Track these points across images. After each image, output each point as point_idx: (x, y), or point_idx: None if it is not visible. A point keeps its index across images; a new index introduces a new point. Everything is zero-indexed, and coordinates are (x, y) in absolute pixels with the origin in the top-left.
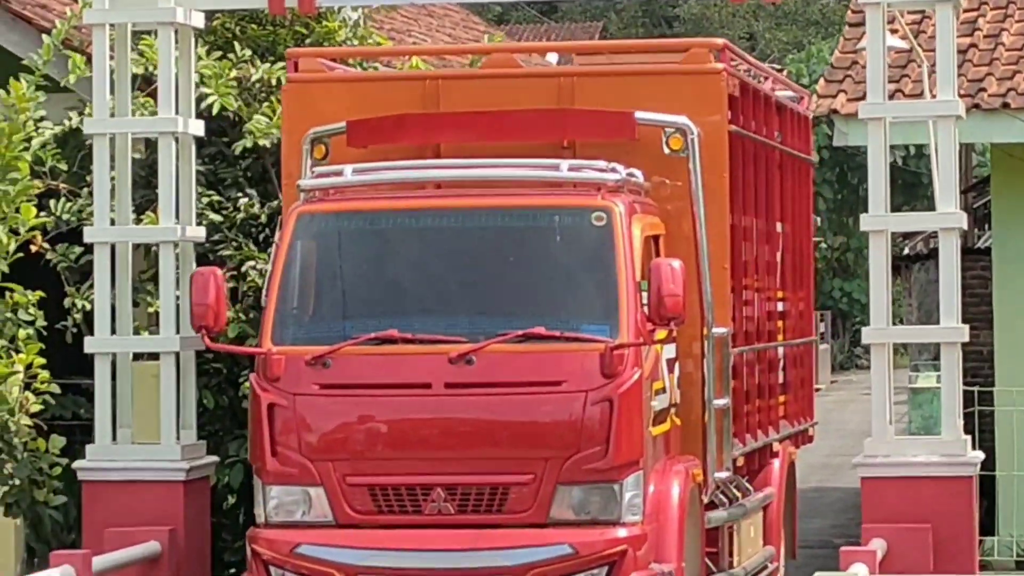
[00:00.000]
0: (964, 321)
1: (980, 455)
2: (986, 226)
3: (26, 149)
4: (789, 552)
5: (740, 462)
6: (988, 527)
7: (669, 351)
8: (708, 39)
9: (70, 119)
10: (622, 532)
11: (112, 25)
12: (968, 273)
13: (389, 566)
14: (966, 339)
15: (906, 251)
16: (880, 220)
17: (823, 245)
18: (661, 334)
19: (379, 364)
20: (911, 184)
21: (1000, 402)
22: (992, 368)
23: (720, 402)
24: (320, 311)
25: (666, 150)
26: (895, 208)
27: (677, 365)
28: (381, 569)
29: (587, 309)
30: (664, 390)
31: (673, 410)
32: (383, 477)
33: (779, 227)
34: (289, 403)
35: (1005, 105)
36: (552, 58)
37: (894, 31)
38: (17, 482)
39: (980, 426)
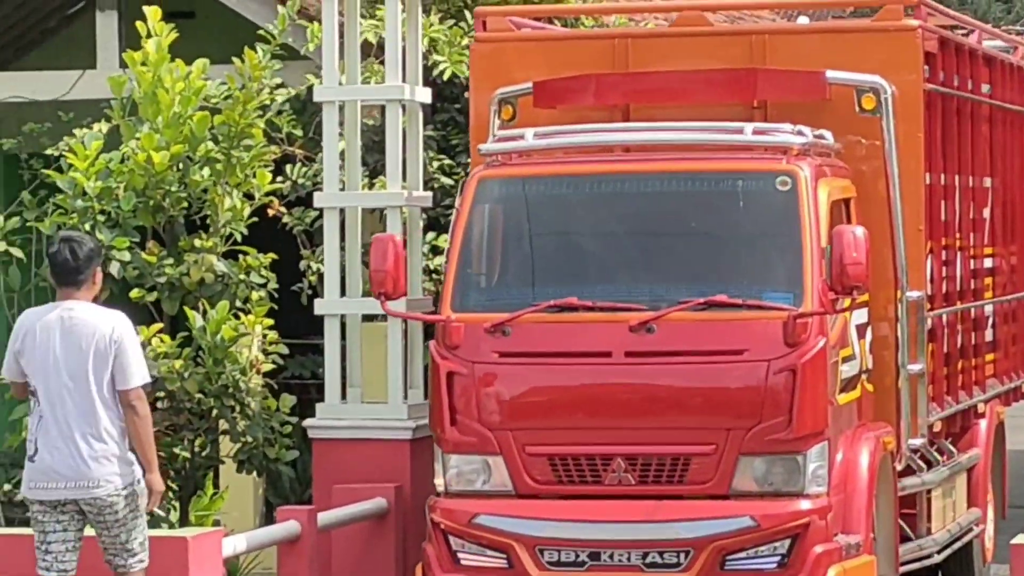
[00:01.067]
0: None
1: None
2: None
3: (261, 116)
4: (999, 513)
5: (938, 427)
6: None
7: (860, 316)
8: None
9: (306, 86)
10: (805, 504)
11: None
12: None
13: (568, 537)
14: None
15: None
16: None
17: None
18: (845, 302)
19: (559, 332)
20: None
21: None
22: None
23: (915, 367)
24: (500, 278)
25: (859, 110)
26: None
27: (869, 330)
28: (560, 540)
29: (770, 276)
30: (853, 357)
31: (864, 376)
32: (563, 447)
33: (987, 182)
34: (468, 371)
35: None
36: (803, 20)
37: None
38: (250, 440)
39: None
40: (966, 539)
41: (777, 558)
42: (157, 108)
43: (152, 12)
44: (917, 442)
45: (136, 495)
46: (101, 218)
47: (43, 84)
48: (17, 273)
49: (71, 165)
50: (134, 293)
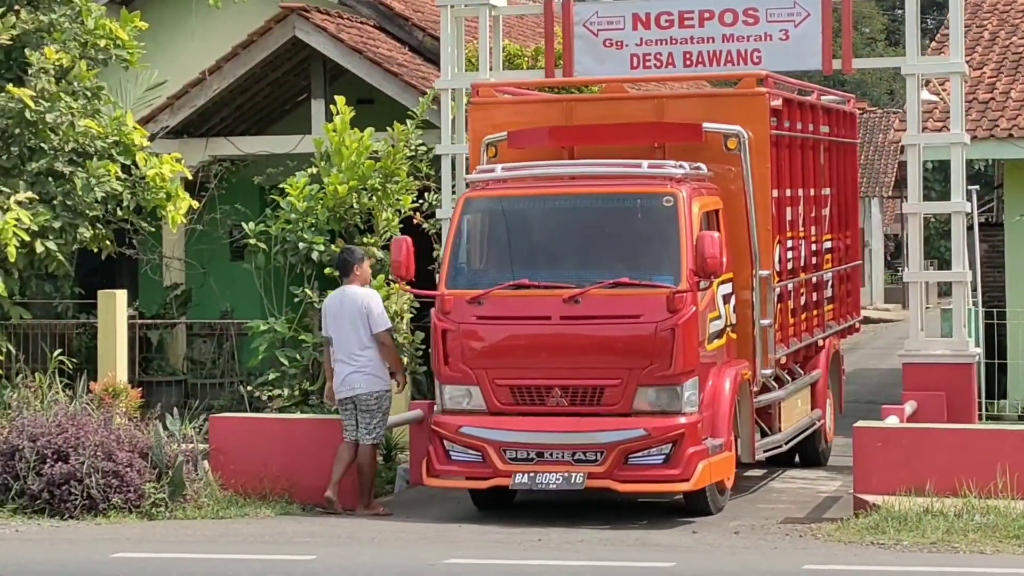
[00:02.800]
0: (986, 268)
1: (978, 350)
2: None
3: (407, 163)
4: (837, 409)
5: (783, 360)
6: (1002, 395)
7: (726, 288)
8: (755, 71)
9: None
10: (682, 420)
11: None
12: (996, 237)
13: (522, 441)
14: (968, 279)
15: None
16: (915, 206)
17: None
18: (704, 284)
19: (516, 302)
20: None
21: (1010, 317)
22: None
23: (765, 321)
24: (477, 266)
25: (726, 149)
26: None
27: (734, 297)
28: (517, 443)
29: (659, 265)
30: (720, 317)
31: (730, 329)
32: (519, 380)
33: (826, 191)
34: (456, 329)
35: (1010, 135)
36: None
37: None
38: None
39: (999, 332)
40: (811, 430)
41: (663, 457)
42: (341, 158)
43: (340, 100)
44: (768, 371)
45: (382, 397)
46: (307, 225)
47: (279, 143)
48: (261, 258)
49: (289, 193)
50: (327, 271)
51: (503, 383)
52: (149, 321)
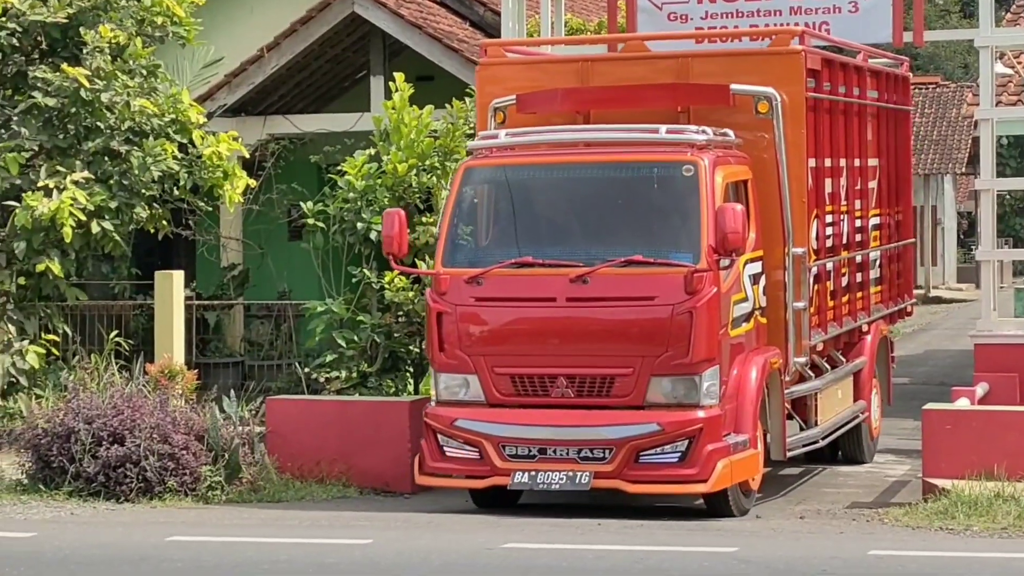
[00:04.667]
0: None
1: None
2: None
3: (464, 140)
4: (885, 401)
5: (820, 347)
6: None
7: (754, 267)
8: (790, 27)
9: None
10: (700, 413)
11: None
12: None
13: (523, 436)
14: None
15: None
16: (988, 182)
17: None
18: (726, 261)
19: (518, 282)
20: None
21: None
22: None
23: (798, 304)
24: (477, 242)
25: (756, 114)
26: None
27: (764, 278)
28: (517, 439)
29: (677, 241)
30: (746, 299)
31: (759, 312)
32: (521, 368)
33: (873, 162)
34: (452, 311)
35: None
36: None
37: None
38: None
39: None
40: (854, 423)
41: (678, 454)
42: (400, 136)
43: (399, 77)
44: (801, 359)
45: None
46: (365, 204)
47: (338, 121)
48: (320, 238)
49: (347, 172)
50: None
51: (503, 372)
52: (206, 302)
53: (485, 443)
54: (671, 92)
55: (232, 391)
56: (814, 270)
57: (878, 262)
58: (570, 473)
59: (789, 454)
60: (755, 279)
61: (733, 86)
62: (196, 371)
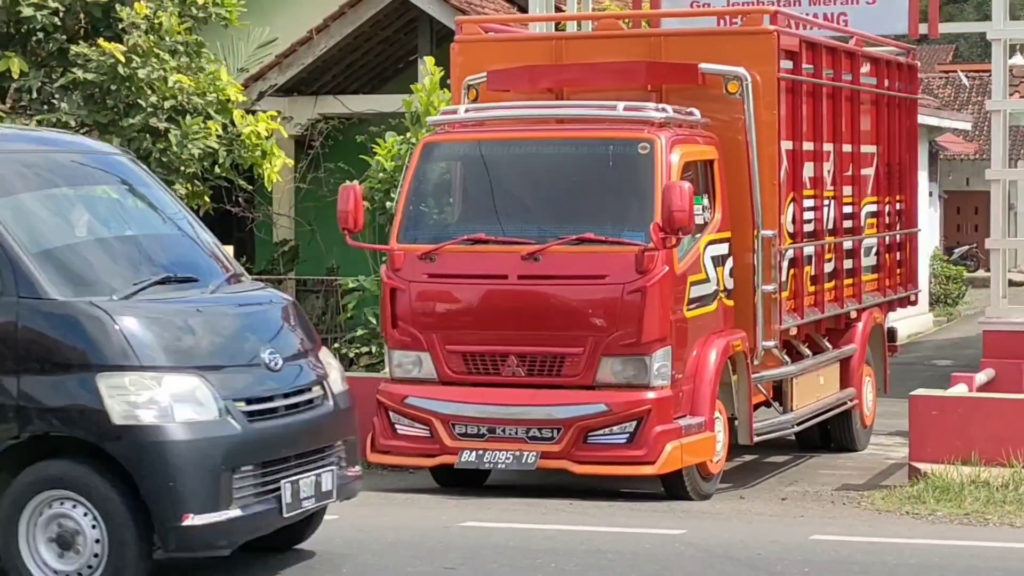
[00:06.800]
0: None
1: None
2: None
3: None
4: (880, 389)
5: (794, 331)
6: None
7: (719, 249)
8: (763, 7)
9: None
10: (650, 395)
11: None
12: None
13: (473, 415)
14: None
15: None
16: (998, 172)
17: None
18: (673, 240)
19: (470, 259)
20: None
21: None
22: None
23: (768, 287)
24: (432, 218)
25: (726, 93)
26: None
27: (731, 260)
28: (467, 417)
29: (630, 219)
30: (707, 280)
31: (724, 295)
32: (472, 346)
33: (870, 148)
34: (405, 288)
35: None
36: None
37: None
38: None
39: None
40: (839, 410)
41: (626, 435)
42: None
43: (429, 60)
44: (770, 343)
45: None
46: (394, 185)
47: (386, 102)
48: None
49: (377, 153)
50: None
51: (455, 349)
52: (257, 277)
53: (435, 421)
54: (640, 70)
55: None
56: (789, 253)
57: (874, 250)
58: (516, 453)
59: (757, 439)
60: (720, 261)
61: (703, 65)
62: None
